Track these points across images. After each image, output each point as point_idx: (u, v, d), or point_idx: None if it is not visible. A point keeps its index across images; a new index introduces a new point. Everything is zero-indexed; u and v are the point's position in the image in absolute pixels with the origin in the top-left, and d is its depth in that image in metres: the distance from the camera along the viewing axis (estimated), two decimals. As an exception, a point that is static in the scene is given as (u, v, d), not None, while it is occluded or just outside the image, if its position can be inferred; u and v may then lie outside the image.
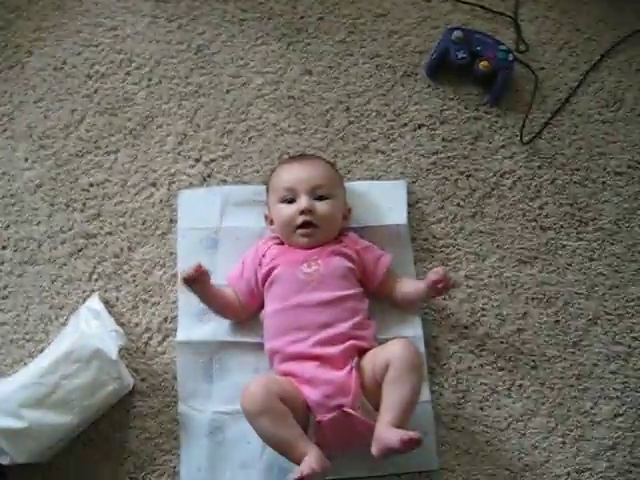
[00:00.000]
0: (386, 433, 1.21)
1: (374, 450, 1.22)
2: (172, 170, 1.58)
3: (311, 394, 1.29)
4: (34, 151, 1.61)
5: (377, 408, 1.28)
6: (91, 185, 1.58)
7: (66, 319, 1.48)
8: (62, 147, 1.61)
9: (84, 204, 1.57)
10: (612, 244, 1.54)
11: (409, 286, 1.44)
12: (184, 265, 1.48)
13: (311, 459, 1.21)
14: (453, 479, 1.38)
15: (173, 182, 1.57)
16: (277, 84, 1.66)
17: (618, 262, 1.53)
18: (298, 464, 1.23)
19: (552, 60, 1.70)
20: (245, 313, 1.45)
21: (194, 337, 1.45)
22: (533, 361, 1.45)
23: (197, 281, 1.36)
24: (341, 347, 1.33)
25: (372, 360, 1.32)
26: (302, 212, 1.40)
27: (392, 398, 1.26)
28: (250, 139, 1.61)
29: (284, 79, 1.66)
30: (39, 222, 1.56)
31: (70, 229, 1.55)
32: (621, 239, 1.55)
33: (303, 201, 1.40)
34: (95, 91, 1.66)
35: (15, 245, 1.54)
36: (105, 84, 1.66)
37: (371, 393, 1.30)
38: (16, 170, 1.60)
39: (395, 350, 1.30)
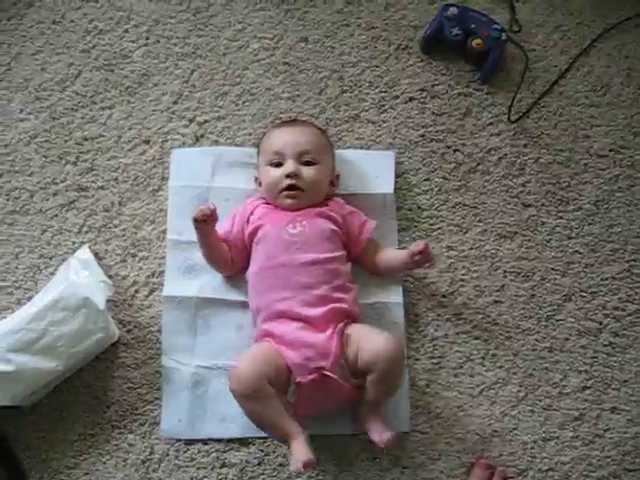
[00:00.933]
0: (369, 425, 1.34)
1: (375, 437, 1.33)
2: (166, 129, 1.60)
3: (292, 356, 1.32)
4: (30, 103, 1.62)
5: (354, 376, 1.33)
6: (85, 139, 1.60)
7: (55, 269, 1.50)
8: (58, 100, 1.63)
9: (77, 157, 1.58)
10: (590, 224, 1.58)
11: (391, 253, 1.47)
12: (174, 222, 1.52)
13: (304, 449, 1.26)
14: (424, 441, 1.43)
15: (166, 140, 1.59)
16: (273, 50, 1.67)
17: (595, 242, 1.57)
18: (279, 440, 1.34)
19: (544, 42, 1.72)
20: (235, 268, 1.47)
21: (180, 293, 1.48)
22: (507, 332, 1.50)
23: (207, 222, 1.38)
24: (323, 309, 1.35)
25: (357, 340, 1.33)
26: (287, 176, 1.42)
27: (377, 397, 1.33)
28: (244, 102, 1.63)
29: (280, 45, 1.68)
30: (32, 173, 1.58)
31: (62, 181, 1.57)
32: (599, 220, 1.59)
33: (289, 165, 1.43)
34: (93, 46, 1.67)
35: (7, 194, 1.56)
36: (103, 40, 1.67)
37: (351, 363, 1.33)
38: (11, 121, 1.61)
39: (381, 352, 1.30)
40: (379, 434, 1.31)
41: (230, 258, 1.46)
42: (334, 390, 1.32)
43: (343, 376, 1.32)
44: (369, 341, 1.33)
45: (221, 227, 1.45)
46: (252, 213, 1.46)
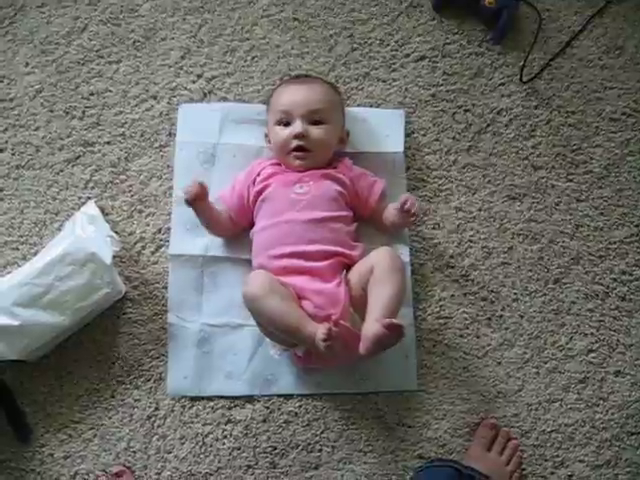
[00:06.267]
0: (371, 327, 1.25)
1: (362, 348, 1.26)
2: (173, 84, 1.58)
3: (303, 305, 1.32)
4: (35, 56, 1.60)
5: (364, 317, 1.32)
6: (91, 94, 1.58)
7: (61, 225, 1.50)
8: (64, 54, 1.60)
9: (84, 112, 1.57)
10: (600, 188, 1.57)
11: (389, 210, 1.46)
12: (180, 178, 1.51)
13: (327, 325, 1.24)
14: (430, 401, 1.43)
15: (174, 96, 1.57)
16: (283, 5, 1.64)
17: (604, 205, 1.56)
18: (307, 344, 1.29)
19: (557, 2, 1.69)
20: (235, 229, 1.47)
21: (186, 250, 1.48)
22: (514, 294, 1.49)
23: (197, 199, 1.37)
24: (328, 261, 1.36)
25: (357, 270, 1.37)
26: (295, 136, 1.41)
27: (376, 298, 1.30)
28: (253, 59, 1.61)
29: (290, 1, 1.65)
30: (37, 127, 1.56)
31: (68, 136, 1.55)
32: (609, 183, 1.57)
33: (297, 126, 1.41)
34: (99, 0, 1.64)
35: (13, 149, 1.55)
36: (110, -7, 1.65)
37: (359, 305, 1.34)
38: (16, 74, 1.59)
39: (377, 255, 1.36)
40: (378, 325, 1.24)
41: (229, 221, 1.46)
42: (345, 339, 1.30)
43: (354, 324, 1.32)
44: (367, 258, 1.38)
45: (222, 192, 1.45)
46: (259, 174, 1.45)
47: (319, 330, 1.23)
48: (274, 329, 1.32)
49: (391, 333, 1.23)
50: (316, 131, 1.42)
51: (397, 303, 1.31)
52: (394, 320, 1.23)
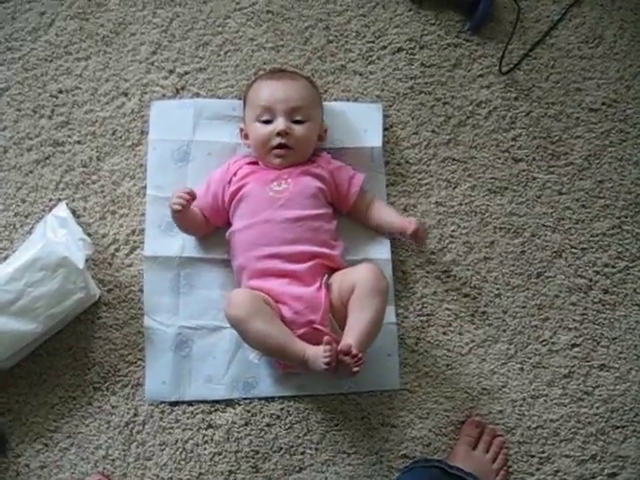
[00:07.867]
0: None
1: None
2: (144, 80, 1.54)
3: (282, 311, 1.31)
4: (1, 53, 1.55)
5: (342, 327, 1.30)
6: (60, 92, 1.54)
7: (31, 227, 1.46)
8: (30, 51, 1.56)
9: (52, 111, 1.52)
10: (581, 179, 1.55)
11: (384, 218, 1.44)
12: (154, 177, 1.48)
13: (321, 350, 1.21)
14: (413, 399, 1.41)
15: (145, 93, 1.53)
16: (256, -2, 1.61)
17: (586, 197, 1.54)
18: (294, 362, 1.27)
19: (535, -9, 1.68)
20: (208, 229, 1.45)
21: (161, 252, 1.44)
22: (497, 289, 1.48)
23: (185, 209, 1.34)
24: (308, 264, 1.34)
25: (339, 280, 1.34)
26: (278, 134, 1.38)
27: (355, 322, 1.28)
28: (226, 53, 1.57)
29: (263, -8, 1.62)
30: (5, 127, 1.52)
31: (37, 136, 1.51)
32: (590, 175, 1.56)
33: (280, 123, 1.38)
34: (66, -7, 1.60)
35: (-21, 150, 1.51)
36: (77, -13, 1.60)
37: (337, 312, 1.32)
38: (-19, 72, 1.55)
39: (361, 273, 1.32)
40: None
41: (204, 223, 1.43)
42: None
43: (333, 330, 1.31)
44: (351, 272, 1.35)
45: (196, 191, 1.40)
46: (235, 174, 1.42)
47: (320, 352, 1.21)
48: (260, 349, 1.30)
49: (352, 362, 1.21)
50: (299, 129, 1.39)
51: (375, 328, 1.30)
52: (357, 352, 1.21)
